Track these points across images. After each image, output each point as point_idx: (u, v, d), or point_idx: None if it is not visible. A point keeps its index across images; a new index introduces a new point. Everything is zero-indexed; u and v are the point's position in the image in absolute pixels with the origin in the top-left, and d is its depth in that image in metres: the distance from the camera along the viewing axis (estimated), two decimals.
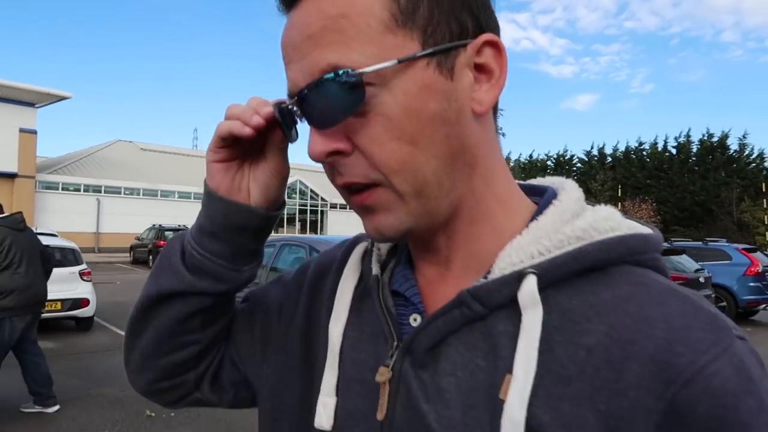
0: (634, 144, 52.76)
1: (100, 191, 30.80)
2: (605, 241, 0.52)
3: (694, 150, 48.06)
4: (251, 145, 0.64)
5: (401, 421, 0.55)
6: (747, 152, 45.95)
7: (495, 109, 0.58)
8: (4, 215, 5.10)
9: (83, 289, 8.83)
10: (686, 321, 0.47)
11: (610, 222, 0.54)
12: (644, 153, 51.24)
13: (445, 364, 0.53)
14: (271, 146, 0.64)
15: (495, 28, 0.56)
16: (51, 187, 29.20)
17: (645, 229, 0.57)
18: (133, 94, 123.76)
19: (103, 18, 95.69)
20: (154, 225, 23.72)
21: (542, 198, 0.60)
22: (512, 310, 0.51)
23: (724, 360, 0.45)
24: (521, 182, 0.64)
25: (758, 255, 12.36)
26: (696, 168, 46.68)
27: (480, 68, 0.54)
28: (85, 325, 9.07)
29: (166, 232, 22.58)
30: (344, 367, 0.61)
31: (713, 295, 9.43)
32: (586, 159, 55.35)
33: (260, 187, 0.65)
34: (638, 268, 0.53)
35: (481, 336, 0.52)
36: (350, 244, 0.71)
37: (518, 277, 0.51)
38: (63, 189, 29.65)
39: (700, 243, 13.03)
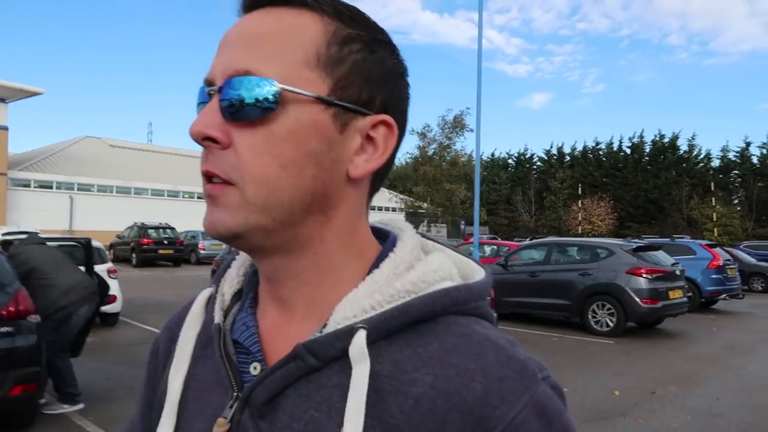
0: (591, 143, 54.75)
1: (72, 188, 30.56)
2: (431, 294, 0.55)
3: (647, 150, 50.35)
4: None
5: None
6: (696, 152, 48.50)
7: (375, 183, 0.61)
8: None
9: (111, 286, 9.32)
10: (500, 372, 0.51)
11: (439, 272, 0.57)
12: (600, 152, 53.27)
13: (282, 416, 0.54)
14: None
15: (399, 114, 0.59)
16: (23, 184, 28.83)
17: (477, 273, 0.61)
18: (93, 88, 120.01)
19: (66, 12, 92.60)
20: (135, 223, 23.75)
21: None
22: (345, 362, 0.52)
23: (529, 409, 0.50)
24: (372, 224, 0.66)
25: (718, 250, 13.75)
26: (649, 167, 48.90)
27: (369, 139, 0.57)
28: (111, 320, 9.56)
29: (149, 230, 22.74)
30: (185, 418, 0.61)
31: (686, 286, 10.62)
32: (546, 158, 57.19)
33: None
34: (462, 317, 0.56)
35: (317, 388, 0.53)
36: (197, 296, 0.70)
37: (350, 332, 0.52)
38: (35, 186, 29.31)
39: (668, 239, 14.36)
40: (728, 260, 13.58)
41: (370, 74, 0.56)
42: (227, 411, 0.57)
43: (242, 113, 0.52)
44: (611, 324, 9.60)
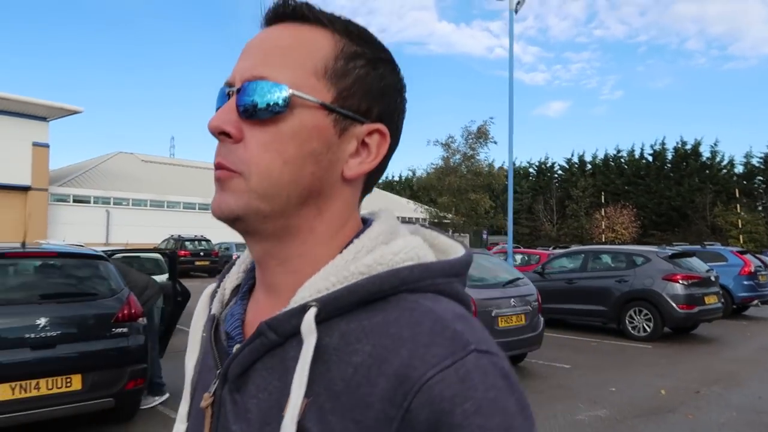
0: (612, 151, 54.72)
1: (108, 203, 31.57)
2: (380, 274, 0.58)
3: (669, 157, 50.22)
4: None
5: None
6: (719, 159, 48.30)
7: (367, 185, 0.68)
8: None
9: None
10: (429, 339, 0.54)
11: (401, 254, 0.61)
12: (622, 160, 53.23)
13: (251, 387, 0.60)
14: None
15: (393, 125, 0.65)
16: (62, 199, 29.91)
17: (456, 252, 0.66)
18: (118, 103, 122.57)
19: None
20: (171, 235, 24.54)
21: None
22: (300, 337, 0.57)
23: (450, 371, 0.52)
24: (362, 215, 0.70)
25: (749, 257, 13.99)
26: (671, 174, 48.79)
27: (364, 145, 0.63)
28: None
29: (186, 242, 23.49)
30: (195, 397, 0.70)
31: (720, 292, 10.92)
32: (567, 166, 57.26)
33: None
34: (413, 294, 0.59)
35: (279, 361, 0.59)
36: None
37: (303, 310, 0.57)
38: (74, 201, 30.42)
39: (699, 246, 14.63)
40: (759, 267, 13.81)
41: (370, 88, 0.63)
42: (212, 387, 0.65)
43: (255, 113, 0.59)
44: (648, 329, 9.93)
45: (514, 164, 58.48)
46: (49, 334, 4.36)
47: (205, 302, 0.75)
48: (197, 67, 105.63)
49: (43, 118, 28.13)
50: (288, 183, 0.60)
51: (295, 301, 0.60)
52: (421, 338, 0.54)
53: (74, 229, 28.27)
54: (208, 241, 24.38)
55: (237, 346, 0.64)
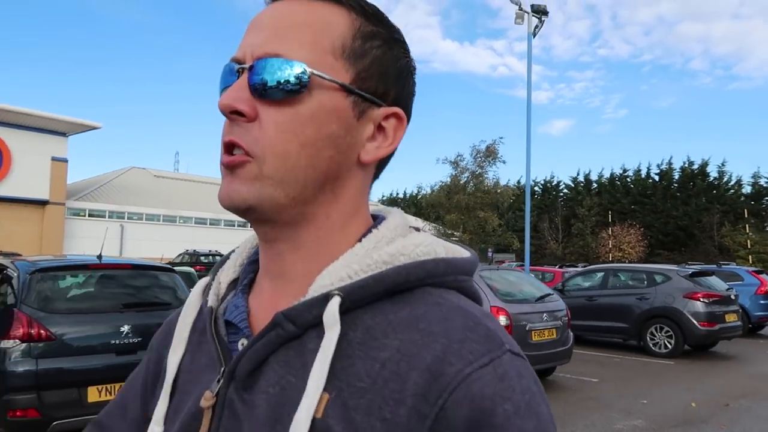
0: (618, 170, 55.08)
1: (122, 217, 32.02)
2: (406, 265, 0.56)
3: (676, 177, 50.52)
4: None
5: None
6: (726, 179, 48.56)
7: (379, 169, 0.65)
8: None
9: None
10: (463, 335, 0.52)
11: (421, 247, 0.58)
12: (628, 179, 53.54)
13: (262, 383, 0.56)
14: None
15: (407, 109, 0.63)
16: (78, 213, 30.36)
17: (463, 253, 0.63)
18: (126, 118, 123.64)
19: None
20: (186, 250, 24.88)
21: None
22: (321, 329, 0.53)
23: (488, 369, 0.50)
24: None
25: (765, 276, 14.24)
26: (678, 194, 49.01)
27: (380, 129, 0.61)
28: None
29: (201, 257, 23.81)
30: (177, 397, 0.64)
31: (740, 310, 11.18)
32: (572, 185, 57.61)
33: None
34: (438, 289, 0.57)
35: (295, 354, 0.55)
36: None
37: (325, 299, 0.54)
38: (89, 215, 30.88)
39: (715, 266, 14.90)
40: None
41: (387, 69, 0.60)
42: (214, 386, 0.59)
43: (270, 92, 0.55)
44: (670, 346, 10.17)
45: (519, 183, 58.92)
46: (131, 340, 4.67)
47: (197, 296, 0.70)
48: (200, 82, 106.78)
49: (63, 134, 28.61)
50: (305, 167, 0.57)
51: (315, 290, 0.56)
52: (455, 334, 0.52)
53: (89, 243, 28.57)
54: (221, 255, 24.68)
55: (243, 340, 0.61)
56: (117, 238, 31.27)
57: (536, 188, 59.46)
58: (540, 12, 16.77)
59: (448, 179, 35.16)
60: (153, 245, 31.30)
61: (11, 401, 4.12)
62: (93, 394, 4.43)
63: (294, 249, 0.61)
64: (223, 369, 0.60)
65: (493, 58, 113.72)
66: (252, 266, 0.69)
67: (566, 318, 7.89)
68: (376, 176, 0.66)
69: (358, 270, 0.56)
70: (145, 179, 39.04)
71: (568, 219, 51.23)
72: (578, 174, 60.27)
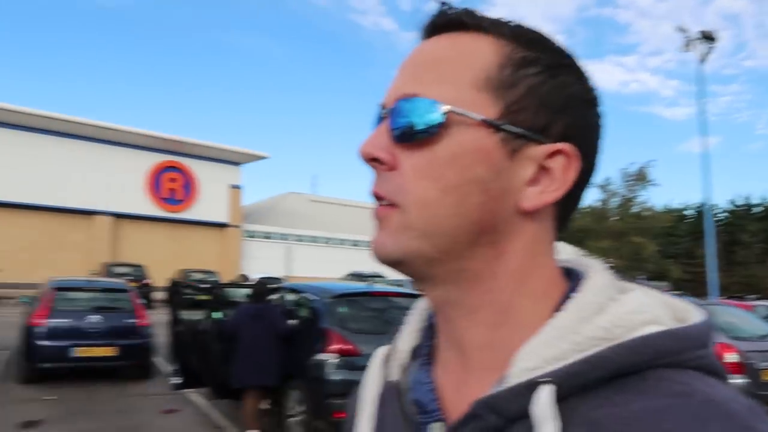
0: None
1: (287, 239, 35.18)
2: (626, 344, 0.46)
3: None
4: None
5: None
6: None
7: (561, 220, 0.56)
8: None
9: None
10: None
11: (640, 315, 0.48)
12: None
13: None
14: None
15: (585, 144, 0.54)
16: (252, 235, 34.02)
17: (692, 315, 0.51)
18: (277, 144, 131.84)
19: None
20: (351, 272, 26.78)
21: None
22: (528, 422, 0.46)
23: None
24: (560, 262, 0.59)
25: None
26: None
27: (545, 170, 0.53)
28: None
29: (365, 278, 25.52)
30: None
31: None
32: (732, 208, 53.20)
33: None
34: (678, 372, 0.46)
35: None
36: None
37: (532, 387, 0.47)
38: (263, 237, 34.47)
39: None
40: None
41: (547, 99, 0.53)
42: None
43: (407, 135, 0.53)
44: None
45: (669, 206, 55.30)
46: None
47: (378, 366, 0.66)
48: (339, 109, 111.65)
49: (236, 163, 32.39)
50: (450, 217, 0.52)
51: (517, 374, 0.49)
52: None
53: (260, 263, 31.77)
54: (382, 276, 26.24)
55: (435, 425, 0.55)
56: (283, 258, 34.34)
57: (688, 211, 55.67)
58: (708, 38, 16.27)
59: (597, 203, 34.22)
60: (317, 266, 34.16)
61: (334, 405, 5.04)
62: None
63: (465, 314, 0.55)
64: None
65: (623, 74, 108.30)
66: (430, 331, 0.63)
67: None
68: (561, 225, 0.57)
69: (567, 350, 0.48)
70: (303, 203, 42.38)
71: (728, 246, 47.39)
72: (736, 197, 55.46)
